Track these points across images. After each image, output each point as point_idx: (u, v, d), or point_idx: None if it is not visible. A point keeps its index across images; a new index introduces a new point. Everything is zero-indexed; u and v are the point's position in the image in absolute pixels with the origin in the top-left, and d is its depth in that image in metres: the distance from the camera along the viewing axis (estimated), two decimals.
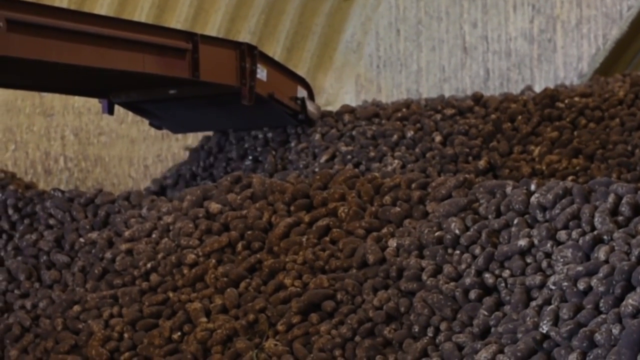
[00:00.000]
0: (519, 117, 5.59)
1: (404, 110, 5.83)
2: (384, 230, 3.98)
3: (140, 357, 3.86)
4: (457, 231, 3.69)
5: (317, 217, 4.16)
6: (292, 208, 4.25)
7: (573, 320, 3.01)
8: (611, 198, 3.42)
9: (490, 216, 3.71)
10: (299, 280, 3.91)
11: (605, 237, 3.27)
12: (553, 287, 3.22)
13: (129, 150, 7.80)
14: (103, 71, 4.70)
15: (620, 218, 3.35)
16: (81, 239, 4.56)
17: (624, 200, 3.39)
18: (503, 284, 3.43)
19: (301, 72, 7.01)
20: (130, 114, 6.72)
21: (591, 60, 6.97)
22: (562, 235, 3.41)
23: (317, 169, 5.51)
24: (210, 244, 4.17)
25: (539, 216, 3.56)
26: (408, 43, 7.54)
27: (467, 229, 3.70)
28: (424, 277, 3.62)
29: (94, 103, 6.78)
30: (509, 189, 3.79)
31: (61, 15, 4.38)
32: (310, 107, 5.88)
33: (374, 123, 5.78)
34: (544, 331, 3.05)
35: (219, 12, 7.66)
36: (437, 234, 3.76)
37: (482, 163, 5.37)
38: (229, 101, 5.57)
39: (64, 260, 4.52)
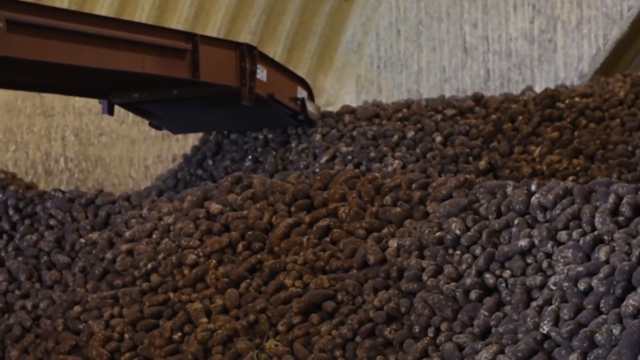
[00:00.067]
0: (520, 118, 5.59)
1: (405, 110, 5.83)
2: (385, 231, 3.98)
3: (141, 358, 3.86)
4: (457, 231, 3.69)
5: (317, 217, 4.16)
6: (292, 208, 4.25)
7: (574, 320, 3.01)
8: (612, 198, 3.42)
9: (490, 216, 3.71)
10: (300, 280, 3.91)
11: (605, 237, 3.27)
12: (554, 288, 3.22)
13: (130, 150, 7.80)
14: (103, 72, 4.70)
15: (620, 218, 3.35)
16: (82, 240, 4.56)
17: (624, 201, 3.39)
18: (504, 284, 3.43)
19: (302, 72, 7.01)
20: (131, 114, 6.72)
21: (592, 61, 6.97)
22: (562, 235, 3.41)
23: (317, 170, 5.51)
24: (211, 245, 4.17)
25: (540, 216, 3.56)
26: (408, 43, 7.54)
27: (468, 229, 3.70)
28: (425, 277, 3.62)
29: (95, 103, 6.78)
30: (509, 189, 3.79)
31: (61, 16, 4.38)
32: (310, 107, 5.88)
33: (375, 123, 5.78)
34: (545, 331, 3.05)
35: (219, 12, 7.66)
36: (437, 234, 3.76)
37: (482, 163, 5.37)
38: (229, 102, 5.57)
39: (65, 260, 4.52)
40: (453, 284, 3.53)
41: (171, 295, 4.05)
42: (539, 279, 3.31)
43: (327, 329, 3.64)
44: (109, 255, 4.37)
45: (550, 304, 3.16)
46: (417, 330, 3.48)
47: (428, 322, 3.48)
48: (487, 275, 3.48)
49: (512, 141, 5.50)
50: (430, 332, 3.46)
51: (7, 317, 4.36)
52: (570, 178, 5.17)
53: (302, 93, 5.93)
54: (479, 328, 3.34)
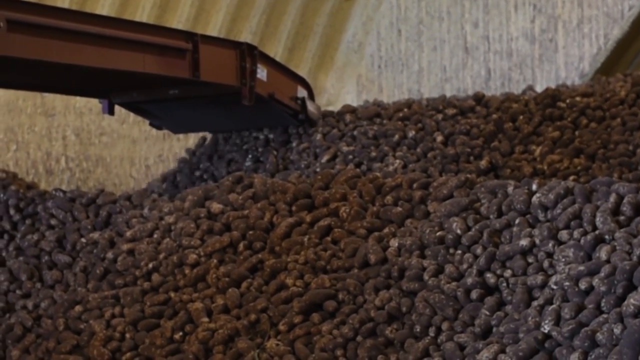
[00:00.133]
0: (521, 117, 5.59)
1: (406, 110, 5.83)
2: (386, 230, 3.98)
3: (142, 357, 3.86)
4: (458, 231, 3.69)
5: (318, 217, 4.16)
6: (293, 208, 4.25)
7: (575, 319, 3.01)
8: (612, 198, 3.42)
9: (491, 216, 3.71)
10: (301, 280, 3.91)
11: (606, 236, 3.27)
12: (555, 287, 3.22)
13: (131, 150, 7.80)
14: (104, 71, 4.70)
15: (621, 218, 3.35)
16: (83, 239, 4.57)
17: (625, 200, 3.39)
18: (505, 284, 3.43)
19: (302, 72, 7.01)
20: (132, 114, 6.71)
21: (592, 60, 6.97)
22: (563, 235, 3.41)
23: (318, 169, 5.51)
24: (212, 244, 4.17)
25: (541, 216, 3.56)
26: (409, 43, 7.54)
27: (469, 228, 3.70)
28: (426, 277, 3.62)
29: (95, 103, 6.77)
30: (510, 189, 3.79)
31: (62, 16, 4.38)
32: (310, 107, 5.88)
33: (376, 123, 5.78)
34: (546, 331, 3.05)
35: (220, 12, 7.66)
36: (438, 233, 3.76)
37: (483, 163, 5.37)
38: (230, 101, 5.57)
39: (66, 260, 4.52)
40: (454, 283, 3.53)
41: (172, 294, 4.05)
42: (540, 278, 3.31)
43: (328, 329, 3.64)
44: (110, 255, 4.37)
45: (552, 304, 3.16)
46: (418, 329, 3.48)
47: (429, 322, 3.48)
48: (488, 275, 3.48)
49: (513, 141, 5.50)
50: (432, 332, 3.46)
51: (8, 316, 4.37)
52: (571, 177, 5.17)
53: (302, 92, 5.93)
54: (480, 327, 3.34)
